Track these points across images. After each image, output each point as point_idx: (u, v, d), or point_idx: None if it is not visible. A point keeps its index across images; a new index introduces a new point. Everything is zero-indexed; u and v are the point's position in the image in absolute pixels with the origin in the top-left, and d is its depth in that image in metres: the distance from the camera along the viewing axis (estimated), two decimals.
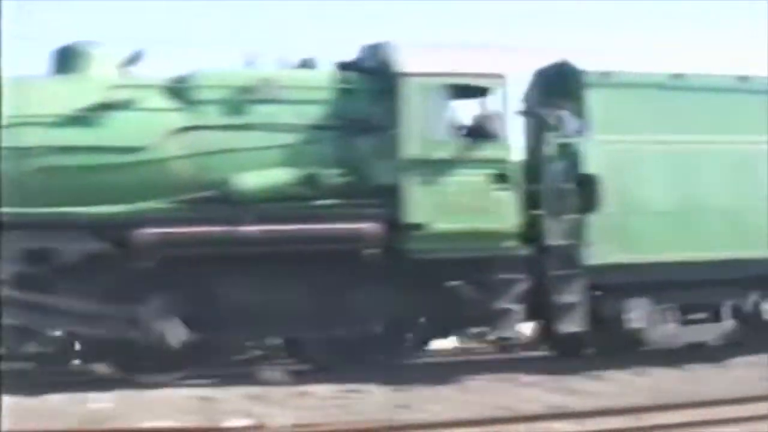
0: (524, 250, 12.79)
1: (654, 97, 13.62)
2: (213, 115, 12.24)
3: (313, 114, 12.49)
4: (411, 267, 12.35)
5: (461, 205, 12.43)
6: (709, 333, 13.81)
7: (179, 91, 12.30)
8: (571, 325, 12.99)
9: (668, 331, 13.56)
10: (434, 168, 12.43)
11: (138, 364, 11.88)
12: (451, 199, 12.44)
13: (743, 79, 14.10)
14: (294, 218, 12.03)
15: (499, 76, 12.73)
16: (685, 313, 13.67)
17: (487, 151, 12.62)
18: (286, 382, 12.02)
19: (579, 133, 13.34)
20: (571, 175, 13.09)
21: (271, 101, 12.36)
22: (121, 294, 11.68)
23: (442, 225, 12.36)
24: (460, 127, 12.87)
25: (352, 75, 12.77)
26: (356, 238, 12.13)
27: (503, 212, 12.61)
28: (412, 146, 12.36)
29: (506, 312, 12.69)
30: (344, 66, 13.02)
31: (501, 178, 12.61)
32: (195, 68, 12.49)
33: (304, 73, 12.79)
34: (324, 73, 12.77)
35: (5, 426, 9.15)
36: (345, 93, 12.62)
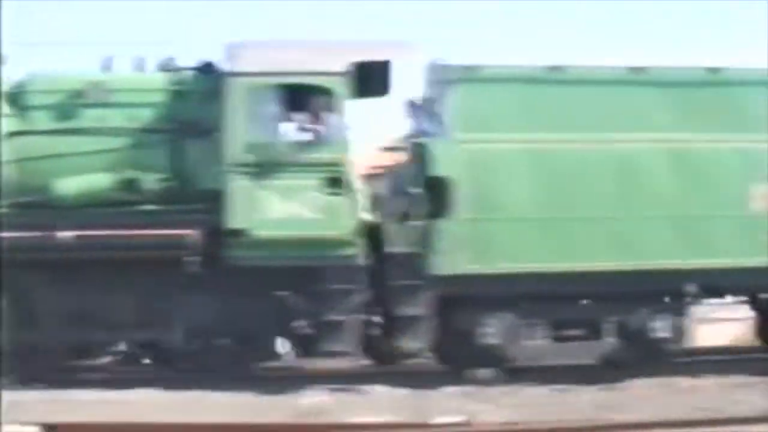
0: (361, 259, 12.25)
1: (526, 93, 12.69)
2: (42, 120, 12.41)
3: (144, 117, 12.44)
4: (235, 275, 12.11)
5: (288, 211, 12.05)
6: (584, 352, 12.75)
7: (14, 96, 12.56)
8: (415, 340, 12.33)
9: (534, 348, 12.64)
10: (260, 172, 12.09)
11: None
12: (276, 204, 12.07)
13: (637, 70, 12.93)
14: (112, 224, 12.04)
15: (338, 75, 12.23)
16: (559, 330, 12.73)
17: (321, 154, 12.17)
18: (499, 380, 11.99)
19: (435, 132, 12.65)
20: (419, 177, 12.46)
21: (102, 105, 12.41)
22: None
23: (265, 232, 12.01)
24: (299, 129, 12.45)
25: (187, 76, 12.60)
26: (174, 244, 11.95)
27: (336, 218, 12.11)
28: (235, 149, 12.05)
29: (338, 324, 12.20)
30: (199, 67, 12.87)
31: (335, 183, 12.13)
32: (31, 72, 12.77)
33: (136, 76, 12.70)
34: (158, 76, 12.64)
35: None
36: (177, 95, 12.47)
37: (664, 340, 12.73)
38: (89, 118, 12.39)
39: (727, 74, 13.01)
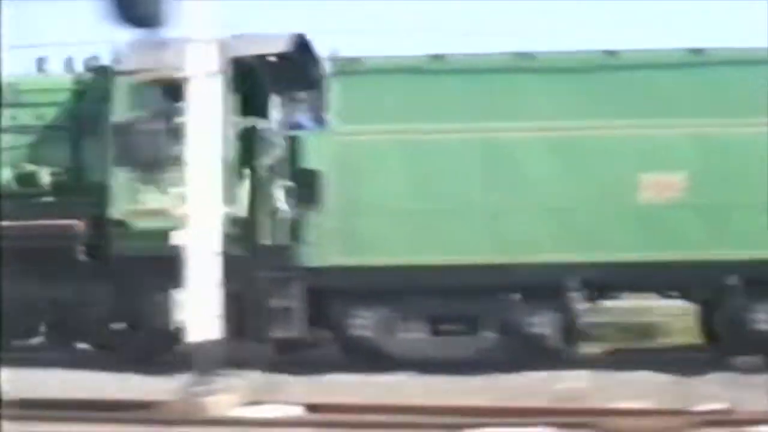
0: (232, 250, 12.62)
1: (404, 84, 12.65)
2: None
3: (48, 116, 13.43)
4: (122, 263, 12.86)
5: (162, 204, 12.57)
6: (461, 347, 12.56)
7: None
8: (287, 331, 12.62)
9: (410, 342, 12.61)
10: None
11: None
12: (153, 197, 12.71)
13: (524, 56, 12.59)
14: (11, 215, 13.05)
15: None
16: (438, 324, 12.62)
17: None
18: (761, 369, 11.98)
19: (311, 125, 12.90)
20: (290, 170, 12.74)
21: (14, 105, 13.52)
22: None
23: (142, 223, 12.69)
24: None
25: (91, 76, 13.50)
26: (62, 234, 12.89)
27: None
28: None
29: None
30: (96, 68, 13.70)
31: None
32: None
33: (45, 78, 13.70)
34: (64, 77, 13.60)
35: None
36: (77, 95, 13.38)
37: (544, 336, 12.39)
38: (4, 117, 13.54)
39: (625, 57, 12.46)
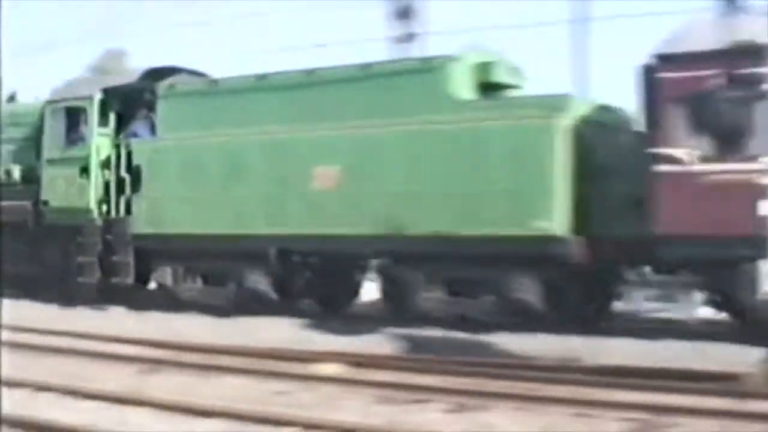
0: (98, 222, 19.14)
1: (190, 103, 18.12)
2: None
3: (24, 132, 20.72)
4: (47, 231, 19.98)
5: (65, 190, 19.48)
6: (218, 296, 17.94)
7: None
8: (124, 278, 18.87)
9: (188, 290, 18.29)
10: (53, 165, 19.63)
11: None
12: (61, 185, 19.61)
13: (260, 77, 17.49)
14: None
15: (87, 98, 19.28)
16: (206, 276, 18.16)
17: (76, 152, 19.35)
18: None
19: (144, 134, 18.93)
20: (126, 166, 18.96)
21: (9, 124, 21.03)
22: None
23: (56, 203, 19.68)
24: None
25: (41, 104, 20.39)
26: (22, 211, 20.29)
27: (84, 194, 19.18)
28: (45, 150, 19.87)
29: (88, 263, 19.24)
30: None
31: (84, 170, 19.27)
32: None
33: (24, 106, 21.22)
34: (33, 104, 20.78)
35: None
36: (39, 117, 20.42)
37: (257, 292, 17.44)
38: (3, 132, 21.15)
39: (318, 74, 16.89)
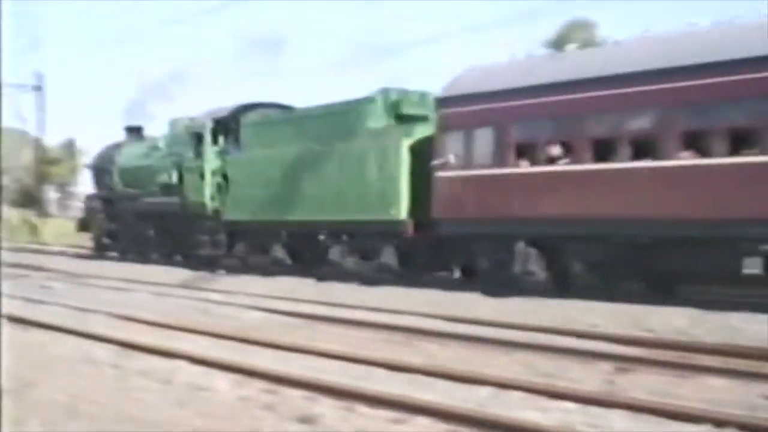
0: (209, 212, 29.97)
1: (259, 130, 28.59)
2: None
3: (177, 149, 32.51)
4: (188, 218, 31.43)
5: (192, 189, 30.74)
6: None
7: None
8: (218, 251, 29.63)
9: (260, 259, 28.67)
10: (188, 171, 31.34)
11: None
12: (190, 186, 31.07)
13: (287, 110, 28.29)
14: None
15: (203, 125, 30.39)
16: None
17: (198, 163, 30.57)
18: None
19: (234, 152, 29.42)
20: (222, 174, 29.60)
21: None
22: None
23: (190, 199, 31.13)
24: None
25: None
26: (173, 204, 31.99)
27: (201, 193, 30.14)
28: (184, 161, 31.49)
29: (202, 241, 30.21)
30: None
31: (202, 176, 30.36)
32: None
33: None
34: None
35: None
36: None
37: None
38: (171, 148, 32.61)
39: (301, 112, 27.21)
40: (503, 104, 21.07)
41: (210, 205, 29.89)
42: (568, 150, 19.94)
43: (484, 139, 21.37)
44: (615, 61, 19.70)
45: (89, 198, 38.41)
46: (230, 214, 29.20)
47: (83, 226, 38.37)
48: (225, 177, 29.65)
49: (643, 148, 18.67)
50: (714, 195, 17.56)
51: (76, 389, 11.36)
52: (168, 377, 11.97)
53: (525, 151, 20.72)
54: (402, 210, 23.38)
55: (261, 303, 20.44)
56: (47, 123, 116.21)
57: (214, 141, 30.15)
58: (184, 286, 25.24)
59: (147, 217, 33.38)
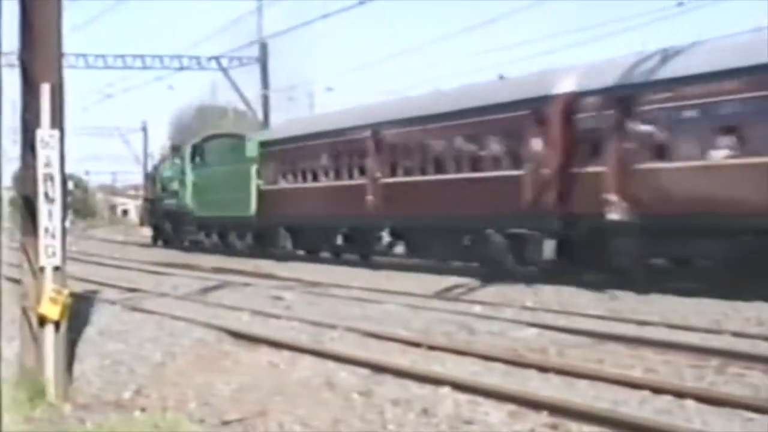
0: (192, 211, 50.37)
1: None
2: None
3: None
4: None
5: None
6: None
7: None
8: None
9: None
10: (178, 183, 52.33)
11: None
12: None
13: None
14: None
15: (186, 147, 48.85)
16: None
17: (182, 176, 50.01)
18: None
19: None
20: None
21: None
22: None
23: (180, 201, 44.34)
24: None
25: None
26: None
27: (184, 198, 50.61)
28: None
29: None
30: None
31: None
32: None
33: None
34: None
35: None
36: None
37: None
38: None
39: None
40: (285, 146, 41.64)
41: (191, 205, 50.15)
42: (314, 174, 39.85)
43: (275, 167, 42.62)
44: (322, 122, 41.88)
45: (144, 201, 63.89)
46: (199, 212, 49.81)
47: (141, 222, 66.87)
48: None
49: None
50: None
51: (316, 420, 11.15)
52: (428, 407, 11.51)
53: (290, 174, 41.66)
54: (252, 209, 43.88)
55: (526, 316, 19.65)
56: None
57: (192, 160, 50.87)
58: (438, 297, 24.65)
59: (167, 214, 53.87)
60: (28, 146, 12.06)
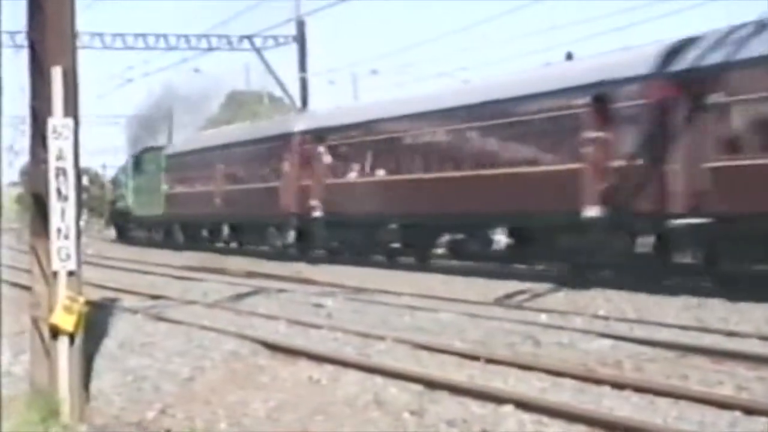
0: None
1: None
2: None
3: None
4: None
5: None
6: None
7: None
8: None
9: None
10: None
11: None
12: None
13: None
14: None
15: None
16: None
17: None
18: None
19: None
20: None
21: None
22: None
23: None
24: None
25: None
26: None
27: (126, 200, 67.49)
28: None
29: None
30: None
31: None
32: None
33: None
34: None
35: None
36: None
37: None
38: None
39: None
40: (180, 158, 58.55)
41: (132, 207, 66.57)
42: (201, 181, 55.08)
43: (173, 175, 59.18)
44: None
45: (109, 203, 79.50)
46: (136, 212, 66.08)
47: (106, 223, 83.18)
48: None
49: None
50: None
51: None
52: (488, 428, 11.57)
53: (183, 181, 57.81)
54: (162, 208, 59.81)
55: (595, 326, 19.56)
56: None
57: (134, 168, 67.36)
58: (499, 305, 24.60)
59: (121, 215, 70.72)
60: (39, 137, 12.05)
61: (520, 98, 31.49)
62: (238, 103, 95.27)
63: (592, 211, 27.79)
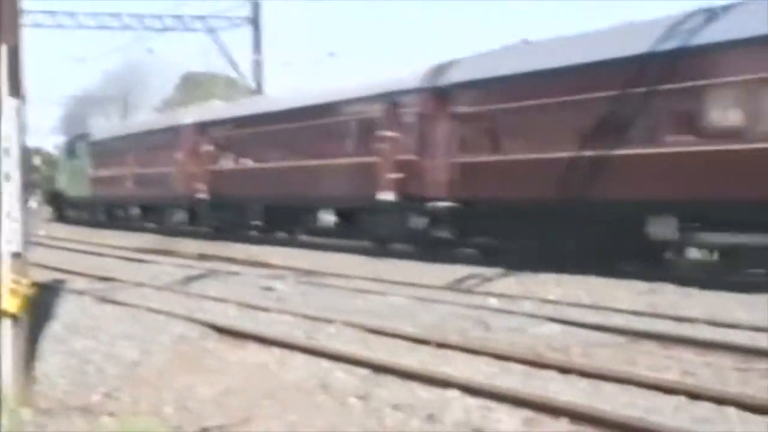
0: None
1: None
2: None
3: None
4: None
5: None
6: None
7: None
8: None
9: None
10: None
11: None
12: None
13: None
14: None
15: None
16: None
17: None
18: None
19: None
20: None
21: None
22: None
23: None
24: None
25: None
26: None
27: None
28: None
29: None
30: None
31: None
32: None
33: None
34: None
35: None
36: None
37: None
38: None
39: None
40: (101, 146, 64.51)
41: (64, 188, 70.43)
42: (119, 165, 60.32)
43: (96, 160, 64.63)
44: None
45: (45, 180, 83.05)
46: (68, 192, 69.72)
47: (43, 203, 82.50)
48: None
49: None
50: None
51: (308, 427, 11.19)
52: (434, 412, 11.55)
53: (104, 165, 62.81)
54: (88, 190, 64.59)
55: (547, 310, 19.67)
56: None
57: (67, 153, 70.94)
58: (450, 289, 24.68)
59: (56, 195, 74.90)
60: None
61: (339, 102, 39.02)
62: (194, 85, 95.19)
63: (386, 196, 35.04)
